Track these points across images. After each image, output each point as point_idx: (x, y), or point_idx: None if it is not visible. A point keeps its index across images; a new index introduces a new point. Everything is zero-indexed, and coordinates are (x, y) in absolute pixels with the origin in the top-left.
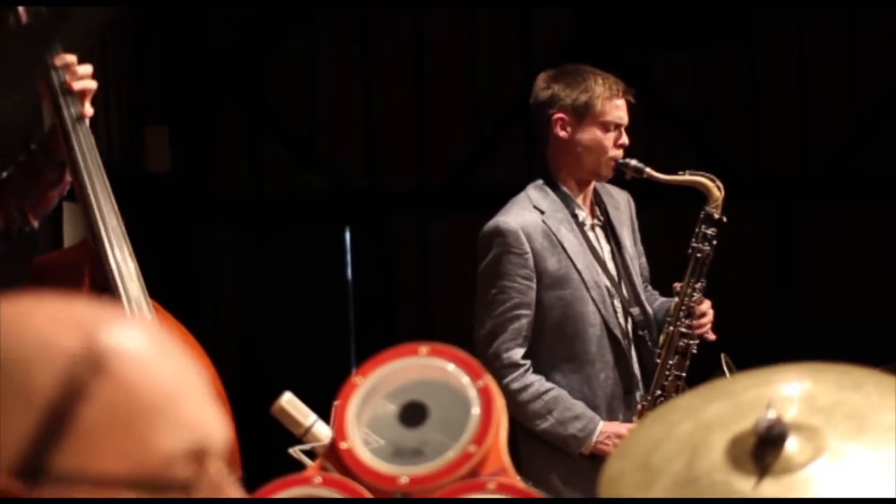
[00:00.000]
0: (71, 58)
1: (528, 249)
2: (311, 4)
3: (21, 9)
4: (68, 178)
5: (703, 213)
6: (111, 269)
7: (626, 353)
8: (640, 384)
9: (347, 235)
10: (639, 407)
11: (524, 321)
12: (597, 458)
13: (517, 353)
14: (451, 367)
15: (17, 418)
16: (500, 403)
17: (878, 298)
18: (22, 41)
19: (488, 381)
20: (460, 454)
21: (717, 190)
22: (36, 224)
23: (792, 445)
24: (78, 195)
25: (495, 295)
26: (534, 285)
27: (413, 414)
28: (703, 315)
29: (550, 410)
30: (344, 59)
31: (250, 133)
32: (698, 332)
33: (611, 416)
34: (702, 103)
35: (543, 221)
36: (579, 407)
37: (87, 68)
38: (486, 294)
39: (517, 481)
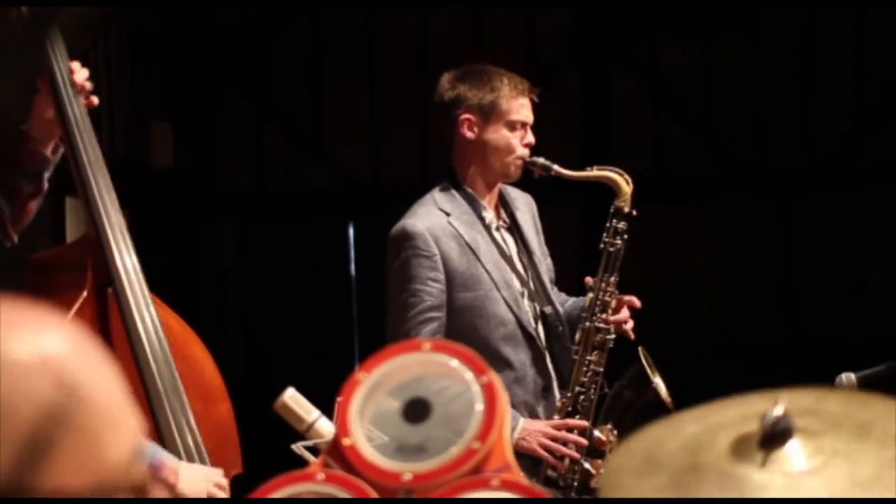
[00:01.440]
0: (75, 64)
1: (437, 251)
2: None
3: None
4: (45, 185)
5: (612, 207)
6: (113, 264)
7: (542, 351)
8: (556, 381)
9: (351, 229)
10: (558, 404)
11: (436, 324)
12: (520, 456)
13: None
14: (454, 362)
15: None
16: (503, 400)
17: (883, 294)
18: (21, 28)
19: (492, 377)
20: (464, 450)
21: (625, 184)
22: (16, 238)
23: (795, 444)
24: (79, 190)
25: (406, 298)
26: (444, 287)
27: (416, 410)
28: (622, 313)
29: None
30: (348, 53)
31: (254, 127)
32: (614, 322)
33: (531, 414)
34: (707, 96)
35: (450, 223)
36: None
37: (84, 72)
38: (398, 298)
39: (521, 478)
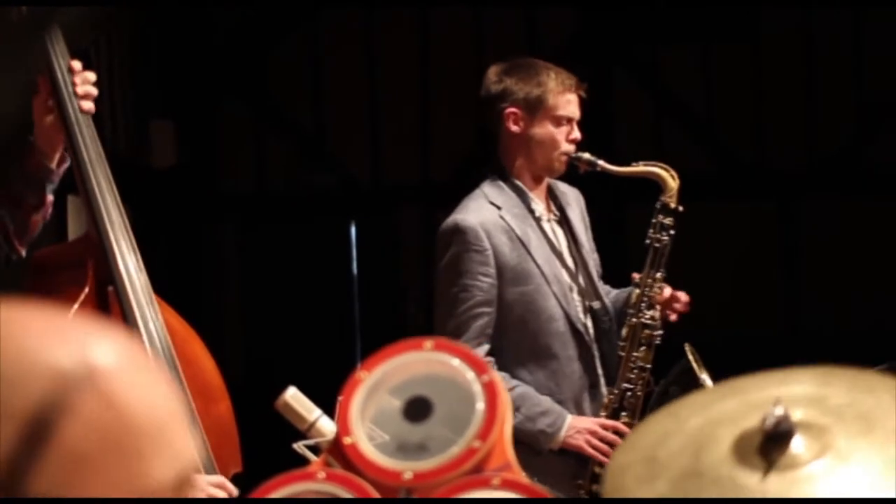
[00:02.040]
0: (77, 64)
1: (489, 246)
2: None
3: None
4: (49, 198)
5: (658, 203)
6: (114, 263)
7: (590, 347)
8: (603, 377)
9: (353, 230)
10: (605, 400)
11: (486, 319)
12: (566, 454)
13: (480, 352)
14: (455, 361)
15: None
16: (504, 398)
17: (883, 295)
18: (21, 26)
19: (493, 376)
20: (465, 449)
21: (671, 179)
22: (24, 252)
23: (798, 442)
24: (80, 189)
25: (456, 293)
26: (495, 282)
27: (417, 409)
28: (675, 301)
29: (518, 407)
30: (349, 54)
31: (255, 128)
32: (672, 317)
33: (578, 411)
34: (708, 100)
35: (501, 217)
36: (546, 402)
37: (91, 75)
38: (448, 293)
39: (522, 477)
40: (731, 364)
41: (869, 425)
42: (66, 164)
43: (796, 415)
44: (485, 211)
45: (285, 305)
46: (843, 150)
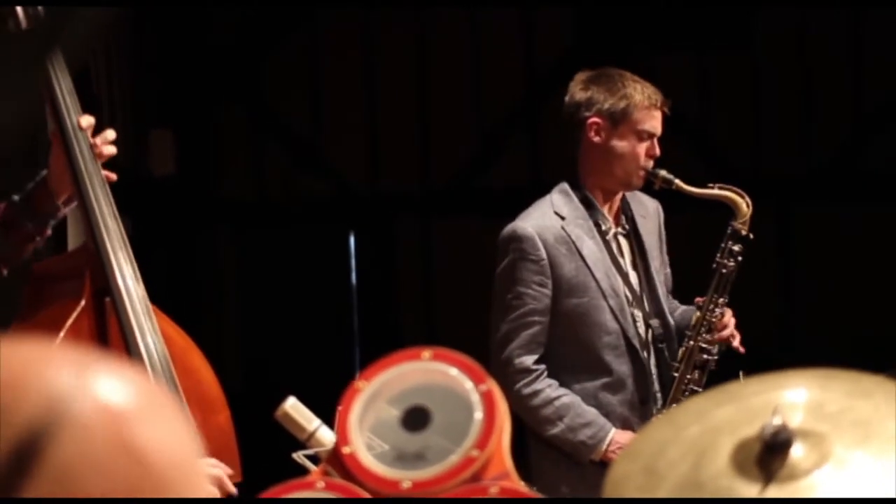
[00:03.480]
0: (89, 120)
1: (544, 255)
2: (312, 6)
3: (20, 12)
4: (48, 231)
5: (730, 228)
6: (111, 274)
7: (644, 364)
8: (658, 396)
9: (351, 239)
10: (654, 420)
11: (537, 328)
12: (607, 467)
13: (529, 360)
14: (453, 371)
15: None
16: (502, 408)
17: (881, 301)
18: (22, 46)
19: (491, 385)
20: (463, 458)
21: (745, 206)
22: (5, 272)
23: (797, 452)
24: (78, 200)
25: (510, 300)
26: (549, 292)
27: (416, 418)
28: (724, 328)
29: (561, 417)
30: (346, 62)
31: (254, 136)
32: (719, 339)
33: (625, 426)
34: (704, 106)
35: (563, 227)
36: (591, 414)
37: (111, 134)
38: (502, 299)
39: (520, 485)
40: (727, 370)
41: (867, 432)
42: (73, 205)
43: (794, 421)
44: (546, 219)
45: (284, 314)
46: (841, 156)
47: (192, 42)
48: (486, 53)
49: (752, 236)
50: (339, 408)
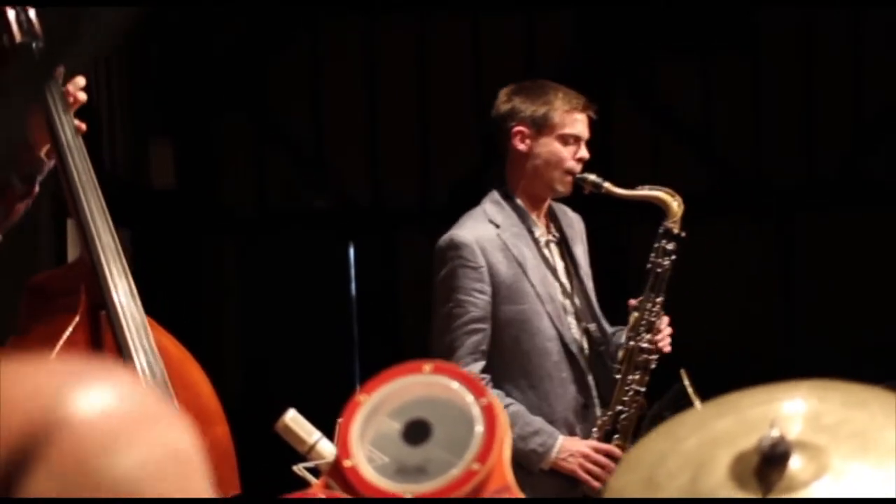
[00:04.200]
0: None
1: (483, 263)
2: (313, 17)
3: (14, 27)
4: (36, 188)
5: (662, 228)
6: (106, 288)
7: (583, 369)
8: (597, 399)
9: (351, 251)
10: (598, 422)
11: (480, 335)
12: (557, 475)
13: (475, 368)
14: (454, 384)
15: None
16: (503, 421)
17: (883, 308)
18: (19, 71)
19: (492, 398)
20: (464, 472)
21: (676, 205)
22: (0, 237)
23: (795, 464)
24: (73, 212)
25: (451, 309)
26: (489, 299)
27: (417, 432)
28: (659, 332)
29: (511, 426)
30: (347, 71)
31: (254, 148)
32: (658, 346)
33: (569, 431)
34: (705, 112)
35: (498, 235)
36: (538, 422)
37: (80, 80)
38: (442, 308)
39: (520, 499)
40: (728, 378)
41: (865, 443)
42: (53, 163)
43: (792, 433)
44: (482, 228)
45: (284, 326)
46: (843, 165)
47: (192, 52)
48: (488, 64)
49: (684, 234)
50: (340, 420)
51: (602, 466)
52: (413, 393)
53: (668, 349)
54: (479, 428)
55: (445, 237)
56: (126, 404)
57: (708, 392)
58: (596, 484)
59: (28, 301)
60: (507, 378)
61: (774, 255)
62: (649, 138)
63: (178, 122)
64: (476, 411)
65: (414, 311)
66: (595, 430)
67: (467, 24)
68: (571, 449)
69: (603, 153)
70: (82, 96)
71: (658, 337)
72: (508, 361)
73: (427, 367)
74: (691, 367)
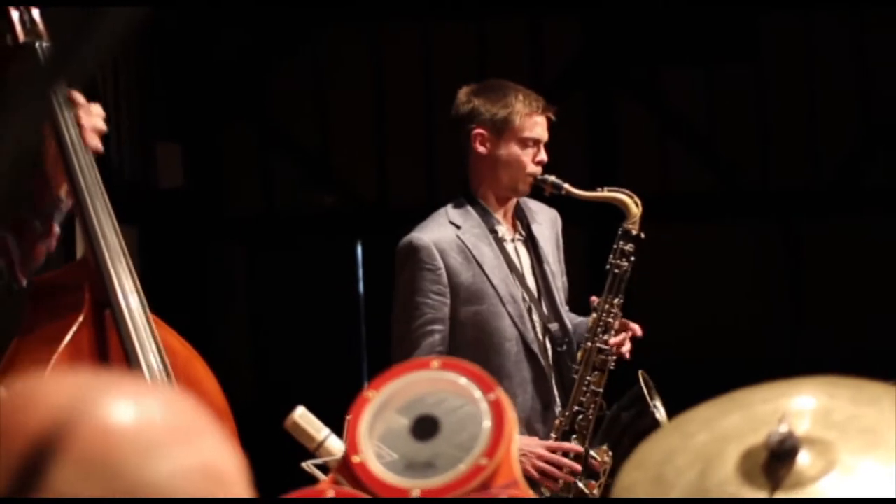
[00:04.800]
0: (81, 98)
1: (441, 265)
2: (319, 20)
3: (18, 27)
4: (56, 228)
5: (620, 229)
6: (111, 287)
7: (545, 369)
8: (559, 400)
9: (359, 250)
10: (556, 423)
11: (437, 336)
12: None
13: None
14: (462, 380)
15: None
16: (511, 416)
17: (887, 313)
18: (26, 78)
19: (499, 394)
20: (472, 467)
21: (634, 206)
22: (25, 282)
23: (804, 459)
24: (77, 212)
25: (409, 311)
26: (447, 301)
27: (425, 427)
28: (621, 336)
29: None
30: (353, 75)
31: (261, 149)
32: (617, 353)
33: (529, 432)
34: (710, 118)
35: (458, 237)
36: None
37: (98, 108)
38: (401, 310)
39: (529, 494)
40: (730, 378)
41: (874, 439)
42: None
43: (801, 429)
44: (442, 230)
45: (293, 326)
46: (848, 169)
47: (200, 55)
48: (494, 66)
49: (643, 236)
50: (349, 417)
51: (559, 466)
52: (421, 389)
53: (627, 356)
54: (487, 423)
55: (404, 240)
56: (165, 416)
57: (709, 393)
58: (551, 484)
59: (33, 300)
60: None
61: (777, 257)
62: (654, 141)
63: (186, 125)
64: (484, 406)
65: None
66: (553, 431)
67: (473, 26)
68: (525, 449)
69: (608, 158)
70: (101, 125)
71: (614, 341)
72: (468, 361)
73: (435, 363)
74: (697, 369)
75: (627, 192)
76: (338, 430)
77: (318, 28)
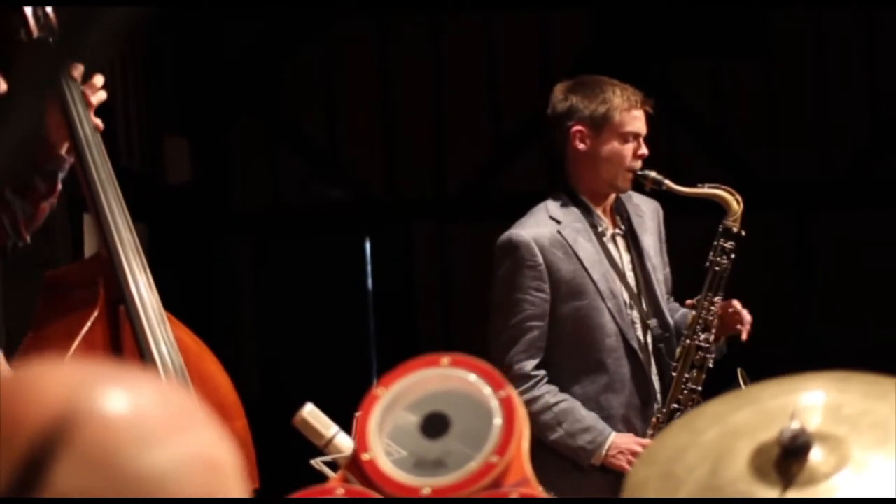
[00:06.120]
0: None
1: (542, 261)
2: (327, 14)
3: (31, 22)
4: (59, 186)
5: (721, 226)
6: (125, 282)
7: (644, 365)
8: (658, 396)
9: (367, 245)
10: (654, 420)
11: (536, 332)
12: (608, 471)
13: (528, 365)
14: (472, 377)
15: None
16: (522, 413)
17: None
18: (35, 62)
19: (510, 391)
20: (483, 465)
21: (735, 203)
22: (28, 238)
23: (816, 456)
24: (91, 208)
25: (509, 307)
26: (547, 297)
27: (435, 425)
28: (736, 313)
29: (560, 422)
30: (362, 69)
31: (269, 143)
32: (729, 332)
33: (628, 428)
34: (720, 112)
35: (559, 232)
36: (590, 419)
37: (100, 79)
38: (501, 306)
39: (540, 492)
40: (728, 366)
41: (886, 434)
42: (72, 160)
43: (812, 424)
44: (542, 226)
45: (300, 321)
46: (858, 161)
47: (208, 50)
48: (502, 59)
49: (744, 233)
50: (358, 414)
51: None
52: (431, 386)
53: (745, 336)
54: (498, 420)
55: (504, 236)
56: (162, 406)
57: (723, 384)
58: None
59: (46, 296)
60: (567, 373)
61: (789, 252)
62: (664, 136)
63: (194, 120)
64: (494, 404)
65: (430, 306)
66: (650, 427)
67: (481, 20)
68: (621, 446)
69: None
70: (102, 94)
71: (740, 319)
72: (568, 357)
73: (445, 359)
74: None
75: (729, 188)
76: (347, 427)
77: (325, 22)
